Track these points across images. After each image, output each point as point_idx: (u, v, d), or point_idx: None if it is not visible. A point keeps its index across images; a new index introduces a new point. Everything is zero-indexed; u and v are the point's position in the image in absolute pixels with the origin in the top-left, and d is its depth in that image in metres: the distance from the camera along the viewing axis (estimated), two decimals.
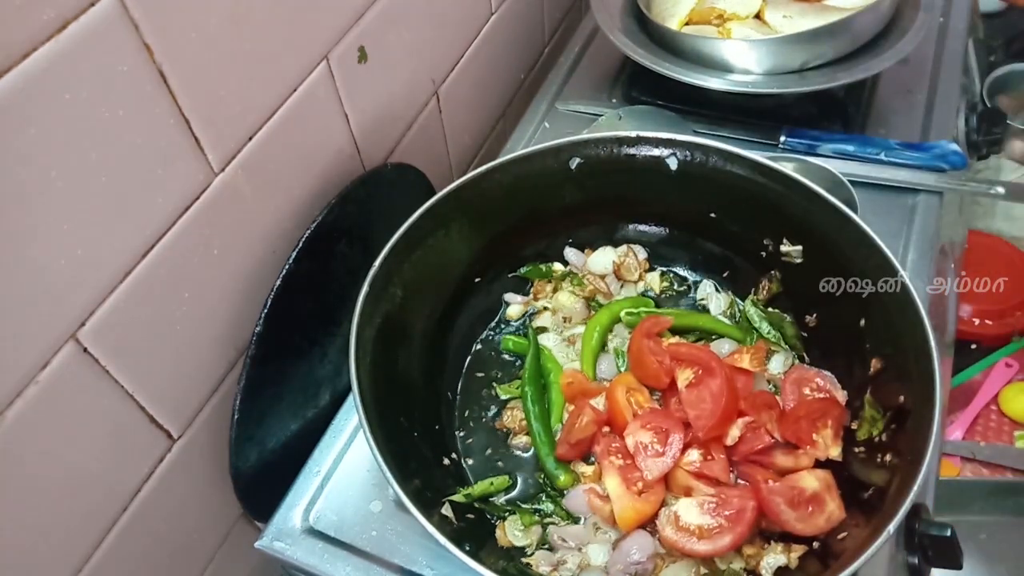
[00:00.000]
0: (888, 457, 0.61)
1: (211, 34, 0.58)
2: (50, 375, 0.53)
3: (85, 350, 0.55)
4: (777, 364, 0.76)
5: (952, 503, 0.75)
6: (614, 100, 1.07)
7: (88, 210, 0.52)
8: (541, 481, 0.73)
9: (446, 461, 0.74)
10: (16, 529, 0.54)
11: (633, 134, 0.77)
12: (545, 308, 0.84)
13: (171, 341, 0.63)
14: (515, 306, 0.85)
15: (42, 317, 0.51)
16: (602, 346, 0.80)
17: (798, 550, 0.63)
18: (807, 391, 0.71)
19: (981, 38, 1.58)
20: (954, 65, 1.08)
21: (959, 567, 0.68)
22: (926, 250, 0.86)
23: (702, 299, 0.84)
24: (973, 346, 1.30)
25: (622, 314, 0.80)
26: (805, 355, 0.77)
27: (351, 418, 0.78)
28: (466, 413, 0.79)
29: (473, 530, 0.68)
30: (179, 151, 0.58)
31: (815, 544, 0.62)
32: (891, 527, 0.51)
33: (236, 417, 0.68)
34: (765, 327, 0.78)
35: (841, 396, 0.70)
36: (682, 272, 0.87)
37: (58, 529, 0.58)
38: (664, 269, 0.87)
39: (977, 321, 1.27)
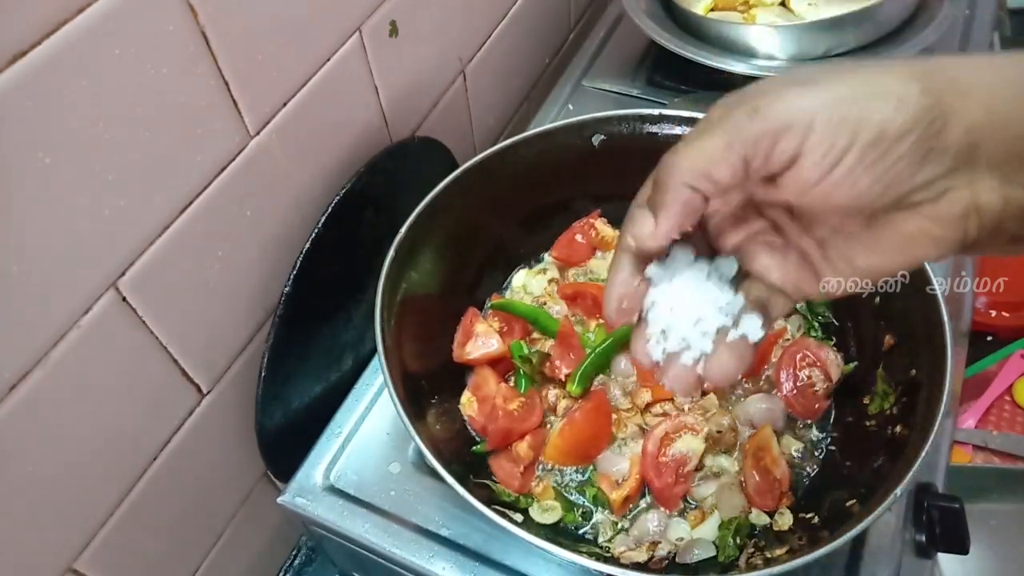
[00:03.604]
0: (899, 428, 0.63)
1: (252, 0, 0.60)
2: (91, 321, 0.55)
3: (124, 299, 0.58)
4: (791, 327, 0.79)
5: (963, 489, 0.76)
6: (637, 84, 1.08)
7: (131, 162, 0.54)
8: None
9: (458, 427, 0.76)
10: (51, 470, 0.57)
11: (656, 112, 0.78)
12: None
13: (204, 298, 0.66)
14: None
15: (86, 263, 0.54)
16: None
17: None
18: (800, 358, 0.75)
19: (1007, 35, 1.58)
20: None
21: (965, 550, 0.69)
22: None
23: None
24: (989, 338, 1.30)
25: None
26: (835, 321, 0.79)
27: (373, 383, 0.80)
28: None
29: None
30: (218, 112, 0.60)
31: (824, 512, 0.64)
32: (899, 489, 0.53)
33: (263, 375, 0.70)
34: None
35: (835, 371, 0.73)
36: None
37: (91, 473, 0.60)
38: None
39: (993, 313, 1.28)
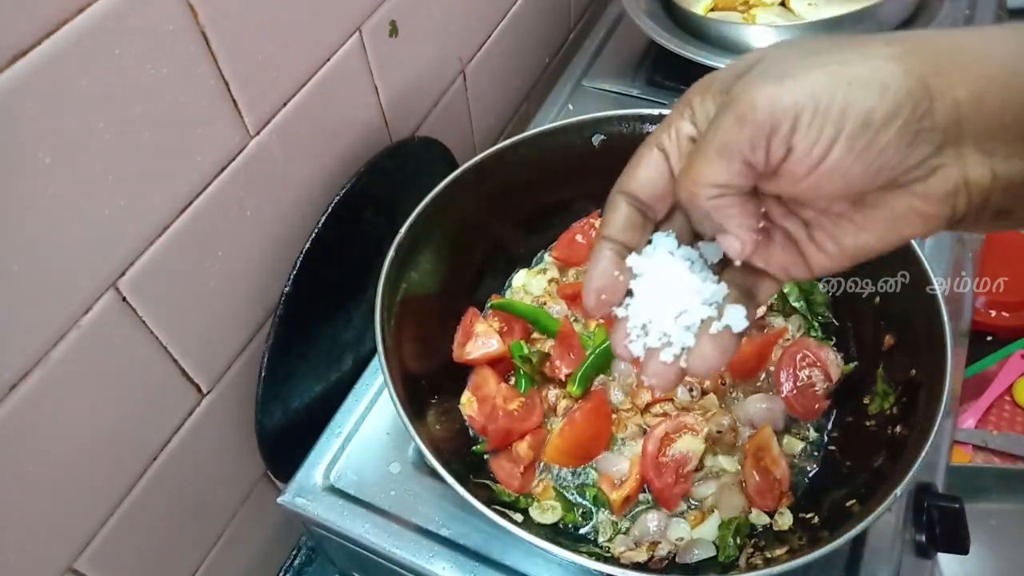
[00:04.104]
0: (899, 428, 0.63)
1: (252, 0, 0.60)
2: (91, 321, 0.55)
3: (124, 299, 0.58)
4: (792, 327, 0.79)
5: (963, 489, 0.76)
6: (637, 84, 1.08)
7: (132, 163, 0.54)
8: None
9: (458, 427, 0.76)
10: (51, 470, 0.57)
11: (656, 112, 0.78)
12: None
13: (204, 298, 0.66)
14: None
15: (87, 263, 0.54)
16: None
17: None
18: (800, 358, 0.75)
19: None
20: None
21: (965, 550, 0.69)
22: (943, 236, 0.87)
23: None
24: (989, 338, 1.30)
25: None
26: (835, 321, 0.79)
27: (373, 383, 0.80)
28: None
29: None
30: (218, 112, 0.60)
31: (824, 512, 0.64)
32: (899, 490, 0.53)
33: (263, 375, 0.70)
34: (787, 287, 0.79)
35: (835, 371, 0.73)
36: None
37: (91, 473, 0.60)
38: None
39: (993, 313, 1.28)
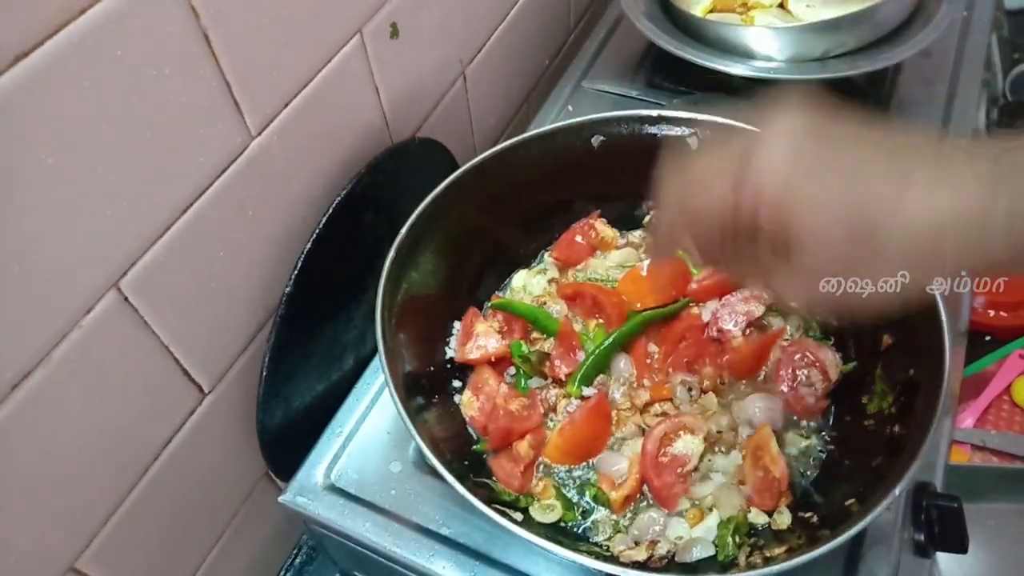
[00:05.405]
0: (897, 428, 0.63)
1: (254, 2, 0.60)
2: (93, 321, 0.55)
3: (126, 299, 0.58)
4: (791, 327, 0.79)
5: (962, 489, 0.76)
6: (637, 85, 1.08)
7: (134, 163, 0.54)
8: None
9: (458, 426, 0.76)
10: (52, 470, 0.57)
11: (655, 113, 0.79)
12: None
13: (206, 298, 0.66)
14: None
15: (88, 263, 0.54)
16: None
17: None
18: (798, 358, 0.76)
19: (1006, 36, 1.58)
20: (976, 58, 1.08)
21: (964, 550, 0.69)
22: None
23: None
24: (987, 338, 1.30)
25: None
26: (834, 321, 0.79)
27: (373, 382, 0.80)
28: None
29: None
30: (220, 113, 0.61)
31: (822, 511, 0.64)
32: (898, 489, 0.53)
33: (264, 374, 0.70)
34: None
35: (833, 371, 0.74)
36: None
37: (93, 472, 0.61)
38: None
39: (992, 313, 1.28)
